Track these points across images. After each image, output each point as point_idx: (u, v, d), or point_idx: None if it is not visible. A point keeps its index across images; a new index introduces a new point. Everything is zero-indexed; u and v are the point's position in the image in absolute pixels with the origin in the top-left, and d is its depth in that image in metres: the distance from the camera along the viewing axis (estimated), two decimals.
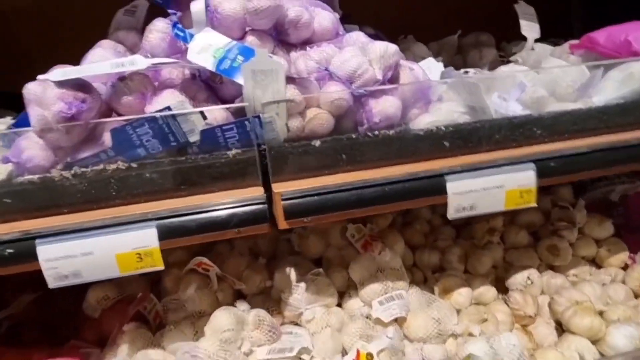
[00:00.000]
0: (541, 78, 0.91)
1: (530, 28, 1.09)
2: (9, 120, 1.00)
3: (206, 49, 0.67)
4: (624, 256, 1.13)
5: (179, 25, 0.69)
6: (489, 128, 0.77)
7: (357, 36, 0.77)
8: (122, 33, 0.89)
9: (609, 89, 0.82)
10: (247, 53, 0.67)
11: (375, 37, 1.26)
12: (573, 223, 1.16)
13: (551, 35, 1.39)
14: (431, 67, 0.91)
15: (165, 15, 0.78)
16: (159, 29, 0.72)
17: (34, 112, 0.62)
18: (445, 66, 1.33)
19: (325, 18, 0.77)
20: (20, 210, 0.66)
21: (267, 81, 0.64)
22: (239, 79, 0.65)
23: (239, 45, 0.67)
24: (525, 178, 0.76)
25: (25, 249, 0.64)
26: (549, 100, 0.88)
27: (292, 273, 0.98)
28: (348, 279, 1.01)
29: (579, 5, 1.52)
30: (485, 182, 0.74)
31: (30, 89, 0.62)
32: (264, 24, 0.72)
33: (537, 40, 1.17)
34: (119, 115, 0.68)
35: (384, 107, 0.70)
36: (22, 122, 0.79)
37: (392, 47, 0.72)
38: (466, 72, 1.10)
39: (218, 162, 0.69)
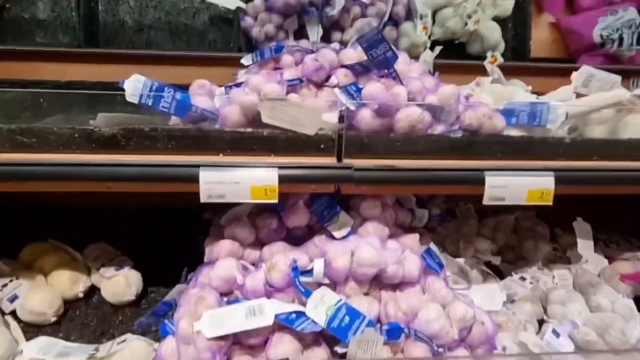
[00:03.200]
0: (593, 319, 1.02)
1: (585, 245, 1.21)
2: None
3: (320, 305, 0.83)
4: None
5: (301, 280, 0.87)
6: None
7: (440, 286, 0.92)
8: (238, 230, 1.08)
9: None
10: (353, 314, 0.83)
11: (441, 216, 1.42)
12: None
13: (601, 223, 1.51)
14: (495, 294, 1.04)
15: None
16: (281, 270, 0.89)
17: (183, 351, 0.79)
18: (501, 244, 1.46)
19: (413, 265, 0.93)
20: None
21: (368, 345, 0.80)
22: (346, 339, 0.81)
23: (347, 305, 0.84)
24: None
25: None
26: (599, 343, 0.99)
27: None
28: None
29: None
30: None
31: (183, 328, 0.80)
32: (363, 278, 0.89)
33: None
34: None
35: None
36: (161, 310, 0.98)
37: (471, 312, 0.87)
38: (523, 279, 1.23)
39: None
